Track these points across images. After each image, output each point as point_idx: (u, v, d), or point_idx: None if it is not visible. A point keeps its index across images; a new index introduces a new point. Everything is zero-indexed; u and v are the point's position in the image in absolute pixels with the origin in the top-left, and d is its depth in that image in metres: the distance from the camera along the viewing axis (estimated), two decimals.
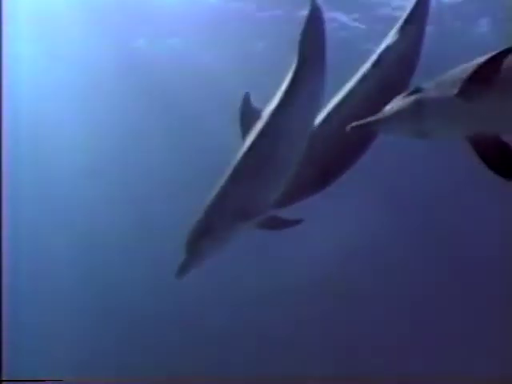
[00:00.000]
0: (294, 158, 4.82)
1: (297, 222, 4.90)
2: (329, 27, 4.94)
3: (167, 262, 4.95)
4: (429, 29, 5.20)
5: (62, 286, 14.91)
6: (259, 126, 4.88)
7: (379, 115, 4.01)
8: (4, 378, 5.70)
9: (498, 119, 3.69)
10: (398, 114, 3.92)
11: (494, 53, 3.51)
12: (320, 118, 5.05)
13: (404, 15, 5.23)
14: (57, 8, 13.12)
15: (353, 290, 13.01)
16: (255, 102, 5.16)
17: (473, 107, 3.64)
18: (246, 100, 5.15)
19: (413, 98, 3.88)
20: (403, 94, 4.01)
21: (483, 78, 3.53)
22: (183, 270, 4.65)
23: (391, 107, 4.00)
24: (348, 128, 4.04)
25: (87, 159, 16.42)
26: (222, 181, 4.80)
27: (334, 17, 13.07)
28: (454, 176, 12.22)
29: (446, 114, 3.76)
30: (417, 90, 3.91)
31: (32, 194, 15.82)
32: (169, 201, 15.44)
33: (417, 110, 3.83)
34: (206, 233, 4.63)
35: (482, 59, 3.60)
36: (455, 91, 3.63)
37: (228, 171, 4.80)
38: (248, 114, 5.10)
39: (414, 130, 3.96)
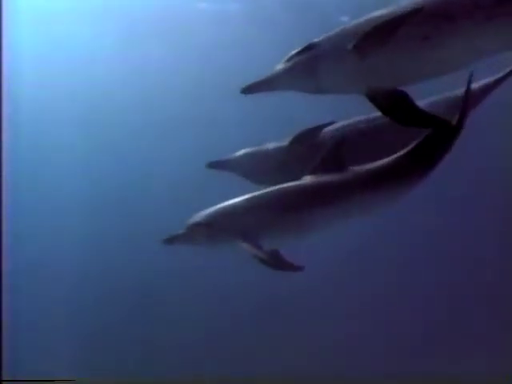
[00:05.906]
0: (323, 227, 4.57)
1: (298, 268, 4.31)
2: None
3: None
4: None
5: (63, 285, 14.87)
6: (316, 178, 4.52)
7: (270, 74, 3.91)
8: (4, 378, 5.69)
9: (393, 74, 3.67)
10: (292, 71, 3.84)
11: (397, 13, 3.48)
12: None
13: None
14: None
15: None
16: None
17: (367, 62, 3.61)
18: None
19: (307, 54, 3.82)
20: (295, 51, 3.92)
21: (380, 35, 3.49)
22: (171, 241, 4.64)
23: (283, 65, 3.90)
24: (241, 90, 3.90)
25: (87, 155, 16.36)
26: (245, 197, 4.57)
27: None
28: None
29: (341, 68, 3.72)
30: (310, 46, 3.84)
31: (32, 190, 15.79)
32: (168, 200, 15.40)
33: (311, 65, 3.78)
34: (204, 231, 4.56)
35: (377, 14, 3.61)
36: (350, 46, 3.59)
37: (256, 193, 4.55)
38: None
39: (310, 86, 3.89)
